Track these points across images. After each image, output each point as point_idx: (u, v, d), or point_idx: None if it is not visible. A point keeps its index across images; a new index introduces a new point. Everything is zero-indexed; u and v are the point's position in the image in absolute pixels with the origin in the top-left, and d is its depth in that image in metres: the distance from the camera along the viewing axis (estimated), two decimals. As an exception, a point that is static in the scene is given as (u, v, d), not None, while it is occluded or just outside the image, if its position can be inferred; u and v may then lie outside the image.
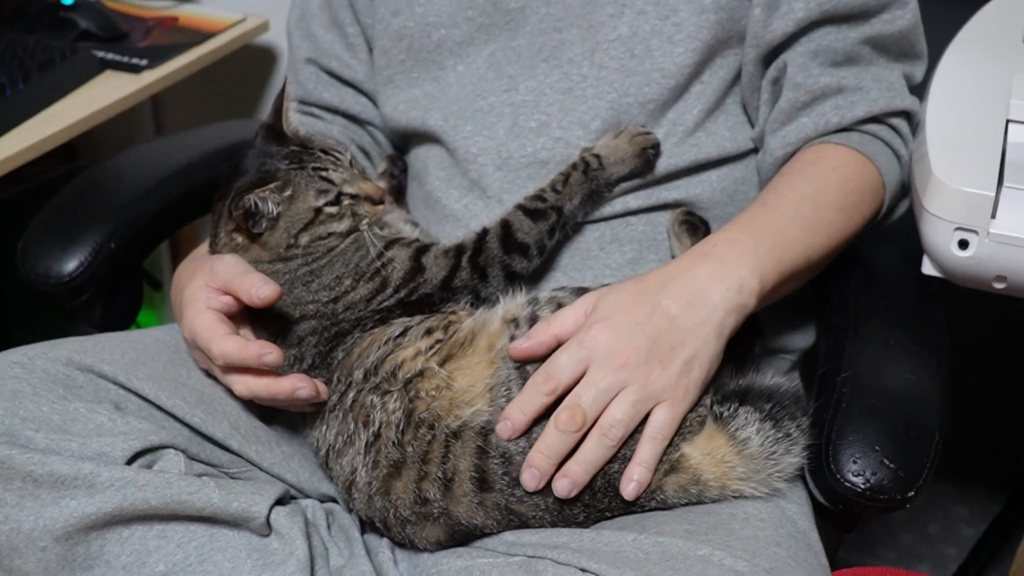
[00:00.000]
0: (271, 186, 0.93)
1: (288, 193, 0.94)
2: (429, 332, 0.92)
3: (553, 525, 0.86)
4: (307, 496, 0.96)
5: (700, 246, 0.92)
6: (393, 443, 0.88)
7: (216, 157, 1.24)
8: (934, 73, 1.00)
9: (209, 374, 0.96)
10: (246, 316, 0.94)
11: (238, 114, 1.85)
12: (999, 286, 0.89)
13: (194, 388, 0.94)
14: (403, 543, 0.91)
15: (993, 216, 0.86)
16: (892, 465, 0.87)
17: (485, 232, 0.97)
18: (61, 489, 0.82)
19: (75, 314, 1.15)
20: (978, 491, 1.79)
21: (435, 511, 0.87)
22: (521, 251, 0.97)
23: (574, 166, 1.00)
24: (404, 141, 1.18)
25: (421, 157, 1.12)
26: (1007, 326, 1.57)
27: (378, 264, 0.95)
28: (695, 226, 1.02)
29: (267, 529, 0.86)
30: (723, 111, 1.06)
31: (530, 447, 0.85)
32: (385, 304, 0.94)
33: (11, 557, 0.83)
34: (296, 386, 0.89)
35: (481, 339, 0.91)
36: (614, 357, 0.84)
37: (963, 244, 0.88)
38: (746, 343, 0.95)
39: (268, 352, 0.87)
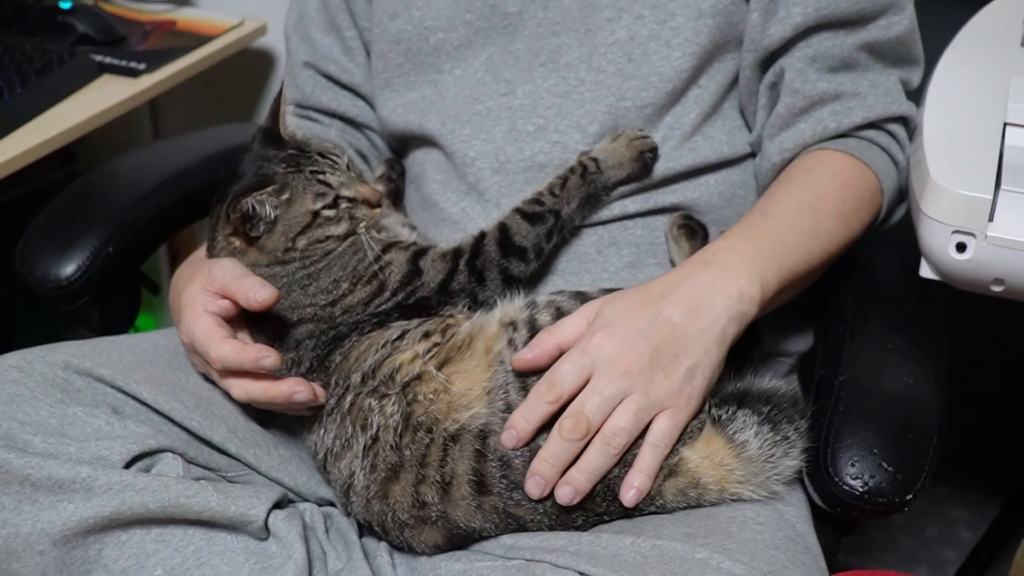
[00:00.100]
0: (268, 189, 0.93)
1: (286, 196, 0.94)
2: (427, 335, 0.92)
3: (551, 528, 0.86)
4: (305, 500, 0.96)
5: (701, 254, 0.92)
6: (391, 446, 0.88)
7: (214, 161, 1.23)
8: (931, 77, 1.01)
9: (207, 378, 0.96)
10: (244, 320, 0.94)
11: (236, 118, 1.85)
12: (997, 289, 0.89)
13: (192, 392, 0.94)
14: (401, 547, 0.91)
15: (991, 219, 0.87)
16: (890, 468, 0.87)
17: (483, 236, 0.97)
18: (59, 493, 0.82)
19: (73, 318, 1.15)
20: (976, 494, 1.79)
21: (433, 514, 0.87)
22: (519, 255, 0.97)
23: (572, 170, 1.00)
24: (402, 145, 1.18)
25: (419, 161, 1.12)
26: (1005, 329, 1.57)
27: (375, 267, 0.95)
28: (693, 230, 1.02)
29: (265, 533, 0.86)
30: (720, 115, 1.06)
31: (528, 451, 0.85)
32: (383, 307, 0.94)
33: (9, 561, 0.83)
34: (294, 390, 0.89)
35: (479, 342, 0.91)
36: (618, 364, 0.84)
37: (961, 247, 0.88)
38: (744, 347, 0.95)
39: (266, 356, 0.87)
